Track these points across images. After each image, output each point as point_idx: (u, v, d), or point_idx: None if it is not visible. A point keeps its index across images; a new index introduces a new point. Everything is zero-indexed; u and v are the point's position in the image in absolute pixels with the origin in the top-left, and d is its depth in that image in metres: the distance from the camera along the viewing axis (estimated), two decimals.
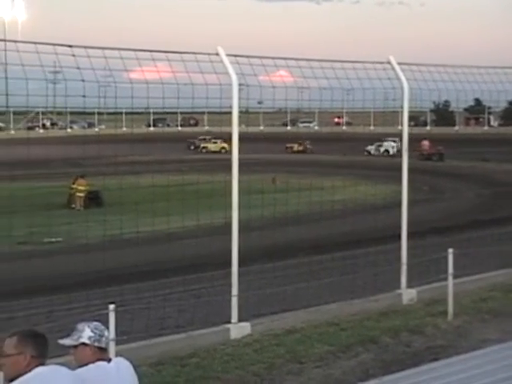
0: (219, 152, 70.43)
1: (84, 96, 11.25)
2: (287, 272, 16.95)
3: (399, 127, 18.03)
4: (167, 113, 76.72)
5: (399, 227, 13.64)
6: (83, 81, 10.77)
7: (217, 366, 10.06)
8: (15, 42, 10.44)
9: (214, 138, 74.47)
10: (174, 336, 11.22)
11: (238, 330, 11.42)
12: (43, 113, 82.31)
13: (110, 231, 19.03)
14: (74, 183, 37.54)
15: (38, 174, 46.19)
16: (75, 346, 4.96)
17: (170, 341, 10.99)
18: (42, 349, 4.64)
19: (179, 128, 79.93)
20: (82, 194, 36.98)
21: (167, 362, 10.12)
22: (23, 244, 23.47)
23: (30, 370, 4.54)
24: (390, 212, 19.87)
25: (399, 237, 13.65)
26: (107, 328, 5.38)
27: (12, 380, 4.56)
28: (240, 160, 11.62)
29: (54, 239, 24.48)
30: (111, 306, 9.33)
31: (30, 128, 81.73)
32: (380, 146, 70.99)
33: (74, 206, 36.36)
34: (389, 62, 13.57)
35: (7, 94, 15.39)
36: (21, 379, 4.52)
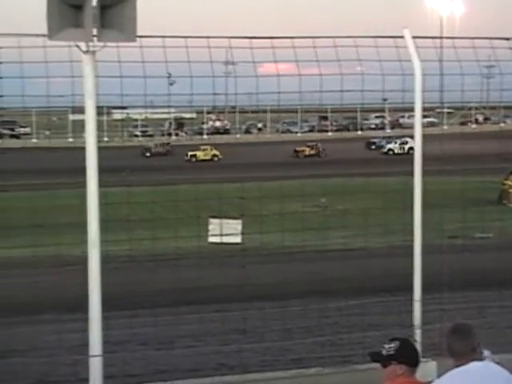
0: (211, 160, 62.67)
1: None
2: None
3: None
4: None
5: None
6: None
7: None
8: (451, 38, 10.57)
9: (203, 145, 66.06)
10: None
11: None
12: (476, 108, 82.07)
13: None
14: (506, 179, 36.85)
15: (470, 168, 46.19)
16: None
17: None
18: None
19: None
20: None
21: None
22: (454, 238, 23.70)
23: (464, 363, 4.60)
24: None
25: None
26: None
27: None
28: None
29: (484, 235, 24.30)
30: None
31: (462, 123, 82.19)
32: None
33: (505, 201, 35.68)
34: None
35: (441, 91, 15.66)
36: (457, 370, 4.60)
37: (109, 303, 8.37)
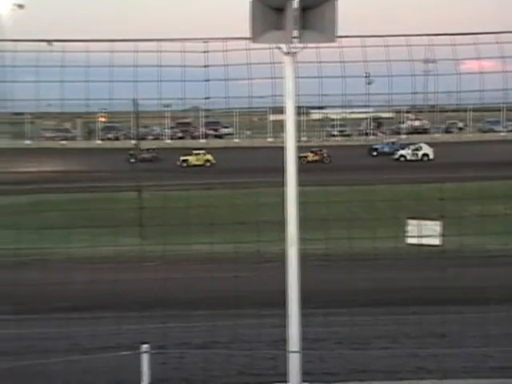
0: (203, 165, 57.18)
1: None
2: None
3: None
4: None
5: None
6: None
7: None
8: None
9: (196, 149, 59.72)
10: None
11: None
12: None
13: None
14: None
15: None
16: None
17: None
18: None
19: None
20: None
21: None
22: None
23: None
24: None
25: None
26: None
27: None
28: None
29: None
30: None
31: None
32: None
33: None
34: None
35: None
36: None
37: (306, 300, 8.49)
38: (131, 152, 59.32)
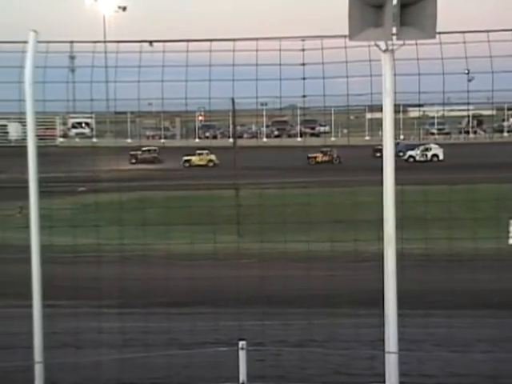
0: (206, 166, 56.24)
1: None
2: None
3: None
4: None
5: None
6: None
7: None
8: None
9: (199, 149, 57.80)
10: None
11: None
12: None
13: None
14: None
15: None
16: None
17: None
18: None
19: None
20: None
21: None
22: None
23: None
24: None
25: None
26: None
27: None
28: None
29: None
30: None
31: None
32: None
33: None
34: None
35: None
36: None
37: (403, 301, 8.39)
38: (132, 153, 59.61)
